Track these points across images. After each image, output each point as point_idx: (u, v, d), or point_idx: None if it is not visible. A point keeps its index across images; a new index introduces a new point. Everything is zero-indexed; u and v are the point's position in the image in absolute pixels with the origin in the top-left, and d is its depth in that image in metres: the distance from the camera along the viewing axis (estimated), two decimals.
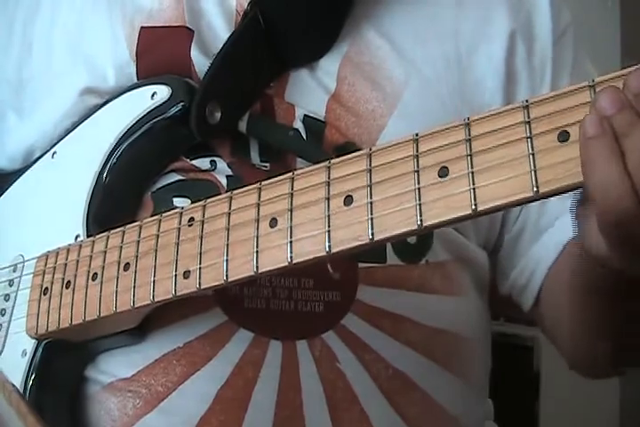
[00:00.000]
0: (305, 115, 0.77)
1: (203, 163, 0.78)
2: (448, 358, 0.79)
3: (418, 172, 0.56)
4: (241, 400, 0.72)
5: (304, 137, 0.77)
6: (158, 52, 0.80)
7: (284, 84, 0.79)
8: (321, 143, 0.77)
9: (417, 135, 0.57)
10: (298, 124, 0.77)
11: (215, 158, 0.78)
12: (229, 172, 0.77)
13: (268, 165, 0.77)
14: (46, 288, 0.76)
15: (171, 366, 0.74)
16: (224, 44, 0.77)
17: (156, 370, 0.74)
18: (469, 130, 0.54)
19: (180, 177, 0.78)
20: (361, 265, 0.75)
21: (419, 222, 0.55)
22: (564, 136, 0.51)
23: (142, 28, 0.81)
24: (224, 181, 0.77)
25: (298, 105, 0.78)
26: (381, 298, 0.76)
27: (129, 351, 0.75)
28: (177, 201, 0.77)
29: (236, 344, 0.73)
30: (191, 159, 0.78)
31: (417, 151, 0.56)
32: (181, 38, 0.80)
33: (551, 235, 0.79)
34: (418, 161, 0.56)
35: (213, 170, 0.77)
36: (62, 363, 0.76)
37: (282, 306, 0.74)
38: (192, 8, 0.81)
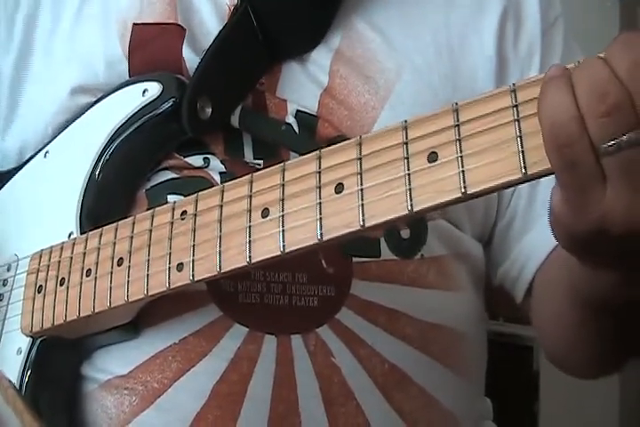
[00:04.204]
0: (297, 110, 0.77)
1: (196, 160, 0.78)
2: (444, 353, 0.79)
3: (407, 158, 0.56)
4: (236, 396, 0.72)
5: (296, 131, 0.77)
6: (150, 49, 0.80)
7: (276, 79, 0.79)
8: (314, 137, 0.77)
9: (406, 122, 0.57)
10: (290, 119, 0.77)
11: (208, 155, 0.78)
12: (223, 169, 0.77)
13: (261, 162, 0.77)
14: (40, 286, 0.76)
15: (166, 362, 0.74)
16: (214, 39, 0.77)
17: (151, 367, 0.74)
18: (458, 115, 0.55)
19: (173, 175, 0.78)
20: (355, 260, 0.75)
21: (409, 207, 0.55)
22: None
23: (134, 24, 0.81)
24: (217, 178, 0.77)
25: (290, 100, 0.78)
26: (376, 293, 0.76)
27: (125, 348, 0.75)
28: (171, 198, 0.77)
29: (230, 340, 0.73)
30: (184, 156, 0.78)
31: (406, 138, 0.57)
32: (173, 36, 0.80)
33: (542, 227, 0.79)
34: (407, 147, 0.56)
35: (207, 167, 0.77)
36: (58, 360, 0.76)
37: (276, 301, 0.74)
38: (184, 5, 0.81)
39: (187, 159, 0.78)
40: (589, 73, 0.48)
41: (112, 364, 0.75)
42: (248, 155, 0.77)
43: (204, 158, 0.78)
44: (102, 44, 0.82)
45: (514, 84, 0.53)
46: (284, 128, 0.77)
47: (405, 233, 0.76)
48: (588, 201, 0.49)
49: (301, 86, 0.79)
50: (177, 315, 0.74)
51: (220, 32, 0.78)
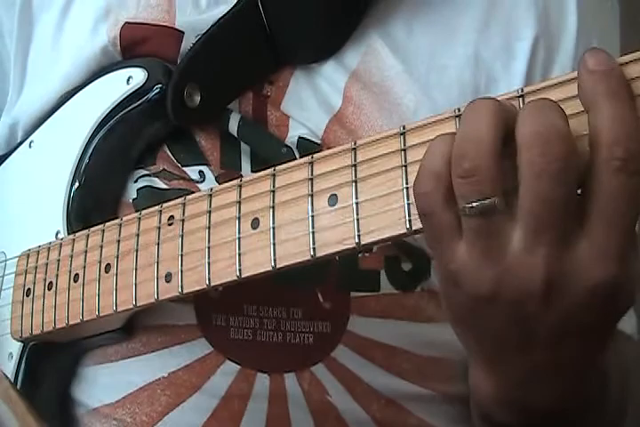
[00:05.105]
0: (299, 137, 0.71)
1: (191, 171, 0.72)
2: (443, 384, 0.73)
3: (406, 166, 0.51)
4: None
5: (297, 157, 0.70)
6: (143, 49, 0.74)
7: (283, 91, 0.72)
8: None
9: (404, 128, 0.52)
10: (290, 143, 0.71)
11: (204, 168, 0.72)
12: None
13: None
14: (29, 289, 0.73)
15: (155, 395, 0.70)
16: (213, 24, 0.71)
17: (140, 398, 0.70)
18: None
19: (162, 184, 0.72)
20: (353, 294, 0.70)
21: (407, 225, 0.50)
22: None
23: (127, 23, 0.74)
24: None
25: (294, 118, 0.72)
26: (373, 328, 0.71)
27: (113, 377, 0.72)
28: None
29: (222, 376, 0.69)
30: (181, 165, 0.73)
31: (404, 145, 0.52)
32: (168, 38, 0.73)
33: None
34: (405, 156, 0.51)
35: (202, 181, 0.72)
36: (49, 365, 0.73)
37: (269, 338, 0.69)
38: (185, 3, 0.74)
39: (181, 168, 0.73)
40: (464, 129, 0.46)
41: (100, 391, 0.72)
42: (245, 167, 0.72)
43: (200, 171, 0.72)
44: (90, 39, 0.76)
45: (522, 90, 0.48)
46: (284, 151, 0.71)
47: (406, 265, 0.71)
48: (443, 251, 0.48)
49: (309, 106, 0.72)
50: (167, 347, 0.70)
51: (221, 18, 0.71)
